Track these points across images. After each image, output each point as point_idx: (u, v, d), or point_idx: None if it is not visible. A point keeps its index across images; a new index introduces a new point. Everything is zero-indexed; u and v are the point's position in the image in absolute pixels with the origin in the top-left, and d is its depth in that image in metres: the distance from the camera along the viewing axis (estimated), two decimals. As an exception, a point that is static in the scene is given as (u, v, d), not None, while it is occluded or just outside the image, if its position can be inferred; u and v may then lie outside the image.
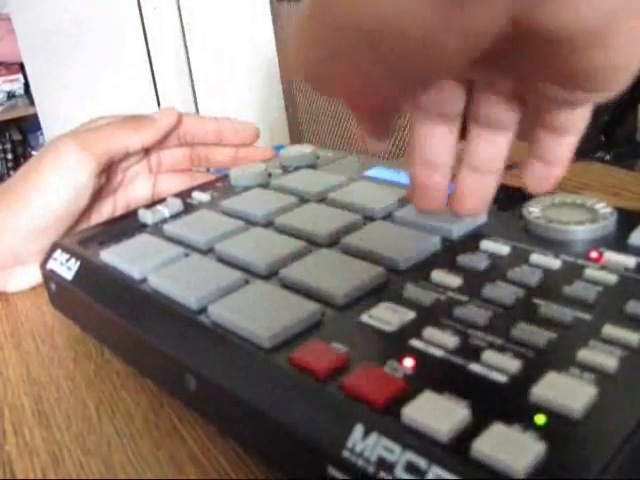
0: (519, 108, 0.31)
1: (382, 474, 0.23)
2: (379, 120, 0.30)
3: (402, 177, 0.47)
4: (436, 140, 0.33)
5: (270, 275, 0.36)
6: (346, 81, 0.24)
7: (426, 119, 0.32)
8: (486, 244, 0.36)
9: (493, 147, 0.33)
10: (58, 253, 0.44)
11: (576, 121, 0.31)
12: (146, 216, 0.47)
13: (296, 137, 2.26)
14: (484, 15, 0.20)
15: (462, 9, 0.19)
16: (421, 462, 0.22)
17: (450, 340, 0.28)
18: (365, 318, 0.31)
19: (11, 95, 2.78)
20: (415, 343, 0.29)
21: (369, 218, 0.42)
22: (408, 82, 0.24)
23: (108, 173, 0.56)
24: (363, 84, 0.24)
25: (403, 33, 0.20)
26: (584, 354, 0.26)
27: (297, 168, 0.53)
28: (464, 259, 0.35)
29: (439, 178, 0.33)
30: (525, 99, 0.30)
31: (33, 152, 2.85)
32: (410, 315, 0.31)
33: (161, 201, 0.49)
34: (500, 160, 0.33)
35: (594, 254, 0.34)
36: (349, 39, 0.21)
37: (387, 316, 0.31)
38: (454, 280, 0.33)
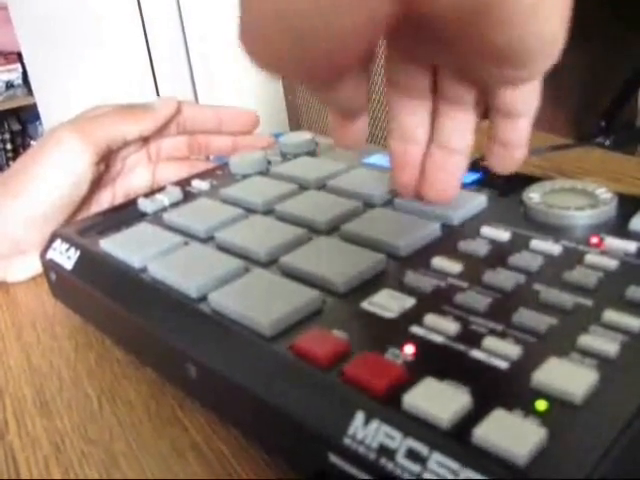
0: (474, 86, 0.32)
1: (383, 461, 0.23)
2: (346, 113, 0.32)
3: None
4: (408, 114, 0.34)
5: (270, 263, 0.36)
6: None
7: (398, 94, 0.34)
8: (486, 230, 0.36)
9: (458, 124, 0.34)
10: (58, 243, 0.44)
11: (523, 103, 0.32)
12: (146, 205, 0.47)
13: (295, 124, 2.26)
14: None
15: None
16: (422, 449, 0.22)
17: (451, 326, 0.28)
18: (366, 305, 0.31)
19: (9, 85, 2.78)
20: (416, 330, 0.29)
21: (369, 205, 0.42)
22: (321, 66, 0.24)
23: (107, 162, 0.56)
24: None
25: (304, 17, 0.21)
26: (585, 339, 0.26)
27: (296, 155, 0.53)
28: (464, 245, 0.35)
29: (414, 151, 0.35)
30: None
31: (32, 142, 2.84)
32: (411, 302, 0.31)
33: (160, 190, 0.49)
34: (466, 138, 0.34)
35: (594, 239, 0.34)
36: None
37: (388, 303, 0.31)
38: (454, 266, 0.33)
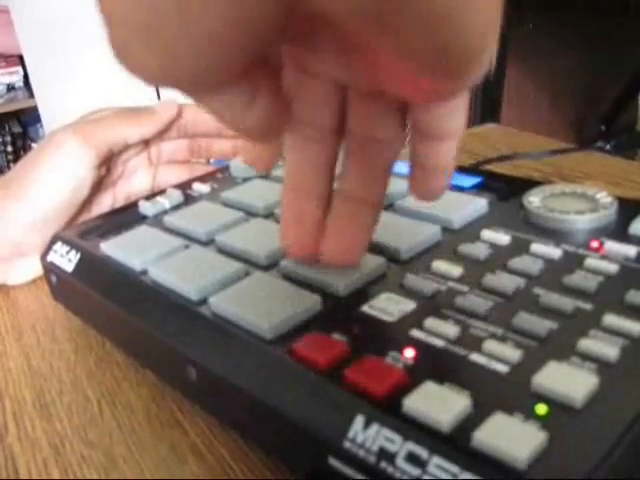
0: (390, 110, 0.28)
1: (383, 464, 0.23)
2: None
3: (403, 167, 0.47)
4: (307, 163, 0.30)
5: (271, 266, 0.36)
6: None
7: (297, 140, 0.30)
8: (487, 234, 0.36)
9: (369, 170, 0.29)
10: (58, 245, 0.44)
11: (449, 123, 0.27)
12: (146, 208, 0.47)
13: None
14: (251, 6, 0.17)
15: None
16: (422, 452, 0.22)
17: (451, 330, 0.28)
18: (366, 309, 0.31)
19: (10, 87, 2.78)
20: (416, 333, 0.29)
21: (369, 209, 0.42)
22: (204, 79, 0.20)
23: (108, 165, 0.56)
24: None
25: (165, 24, 0.18)
26: (585, 344, 0.26)
27: (297, 159, 0.53)
28: (465, 249, 0.35)
29: (313, 208, 0.30)
30: (401, 108, 0.27)
31: (33, 145, 2.84)
32: (411, 305, 0.31)
33: (161, 193, 0.49)
34: (379, 185, 0.30)
35: (595, 244, 0.34)
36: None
37: (388, 306, 0.31)
38: (455, 270, 0.33)
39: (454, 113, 0.26)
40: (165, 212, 0.46)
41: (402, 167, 0.47)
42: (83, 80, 2.37)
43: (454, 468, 0.21)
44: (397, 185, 0.43)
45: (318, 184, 0.30)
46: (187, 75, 0.19)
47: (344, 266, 0.32)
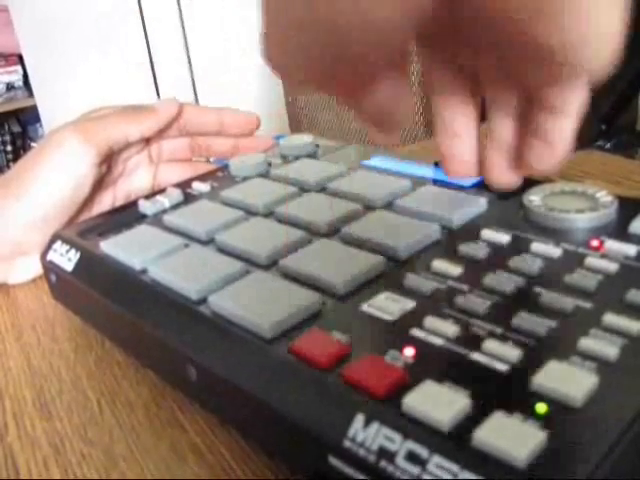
0: (518, 92, 0.31)
1: (383, 463, 0.23)
2: (378, 111, 0.28)
3: (402, 166, 0.47)
4: (455, 113, 0.33)
5: (270, 265, 0.36)
6: (314, 72, 0.23)
7: (437, 94, 0.33)
8: (486, 233, 0.36)
9: (512, 127, 0.32)
10: (58, 244, 0.44)
11: (570, 103, 0.30)
12: (146, 207, 0.47)
13: (296, 127, 2.26)
14: None
15: None
16: (422, 451, 0.22)
17: (451, 329, 0.28)
18: (365, 307, 0.31)
19: (10, 87, 2.78)
20: (416, 332, 0.29)
21: (369, 207, 0.42)
22: (363, 63, 0.23)
23: (109, 163, 0.56)
24: (330, 71, 0.23)
25: (334, 16, 0.20)
26: (585, 343, 0.26)
27: (297, 158, 0.53)
28: (464, 248, 0.35)
29: (463, 147, 0.33)
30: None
31: (32, 144, 2.84)
32: (410, 304, 0.31)
33: (161, 191, 0.49)
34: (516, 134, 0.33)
35: (595, 243, 0.34)
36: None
37: (387, 305, 0.31)
38: (454, 269, 0.33)
39: (575, 94, 0.29)
40: (165, 211, 0.46)
41: (405, 167, 0.47)
42: (82, 79, 2.37)
43: (454, 467, 0.21)
44: (396, 184, 0.43)
45: (466, 128, 0.33)
46: (353, 63, 0.22)
47: (506, 185, 0.34)
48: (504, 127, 0.32)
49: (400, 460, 0.23)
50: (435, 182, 0.44)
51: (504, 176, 0.34)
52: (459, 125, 0.33)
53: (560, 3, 0.21)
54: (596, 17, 0.22)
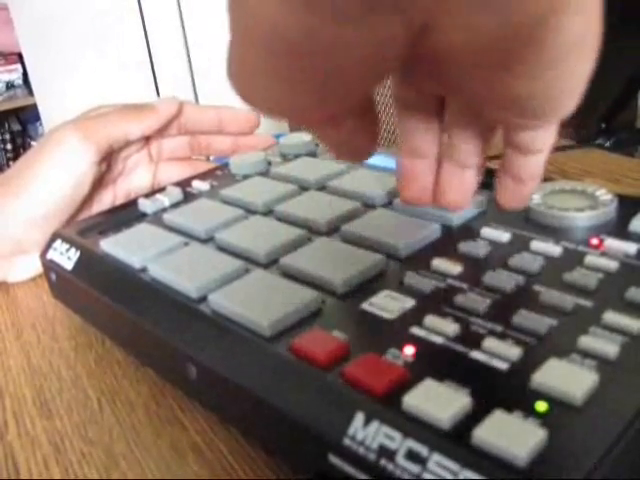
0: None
1: (383, 462, 0.23)
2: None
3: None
4: (418, 133, 0.33)
5: (270, 263, 0.36)
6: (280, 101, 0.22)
7: (406, 114, 0.32)
8: (486, 231, 0.36)
9: (469, 146, 0.32)
10: (58, 243, 0.44)
11: (541, 142, 0.30)
12: (146, 205, 0.47)
13: (295, 125, 2.26)
14: (384, 29, 0.18)
15: (361, 23, 0.18)
16: (422, 450, 0.22)
17: (451, 327, 0.28)
18: (365, 306, 0.31)
19: (10, 85, 2.78)
20: (416, 331, 0.29)
21: (369, 206, 0.42)
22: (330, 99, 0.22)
23: (109, 162, 0.56)
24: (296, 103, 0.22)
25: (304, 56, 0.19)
26: (585, 341, 0.26)
27: (297, 156, 0.53)
28: (464, 246, 0.35)
29: (424, 166, 0.33)
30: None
31: (32, 142, 2.84)
32: (410, 303, 0.31)
33: (161, 190, 0.49)
34: (478, 156, 0.33)
35: (595, 241, 0.34)
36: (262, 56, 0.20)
37: (387, 304, 0.31)
38: (454, 267, 0.33)
39: (546, 133, 0.29)
40: (165, 210, 0.46)
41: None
42: (82, 78, 2.37)
43: (454, 466, 0.21)
44: (395, 183, 0.43)
45: (429, 148, 0.33)
46: (319, 104, 0.22)
47: (456, 209, 0.35)
48: (463, 147, 0.32)
49: (400, 459, 0.23)
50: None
51: (459, 198, 0.34)
52: (423, 143, 0.33)
53: (548, 61, 0.21)
54: (579, 72, 0.22)
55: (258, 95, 0.22)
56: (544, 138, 0.30)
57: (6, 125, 2.88)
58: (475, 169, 0.33)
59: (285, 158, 0.53)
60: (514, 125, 0.28)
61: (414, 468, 0.22)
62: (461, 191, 0.34)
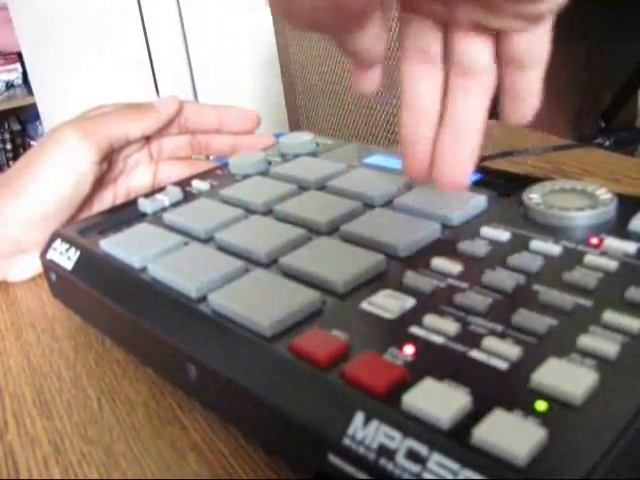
0: (490, 46, 0.32)
1: (383, 461, 0.23)
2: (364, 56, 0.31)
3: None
4: (421, 81, 0.34)
5: (270, 263, 0.36)
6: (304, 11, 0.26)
7: (411, 61, 0.34)
8: (486, 231, 0.36)
9: (470, 98, 0.33)
10: (58, 243, 0.44)
11: (535, 51, 0.32)
12: (146, 205, 0.47)
13: (295, 125, 2.26)
14: None
15: None
16: (422, 449, 0.22)
17: (450, 327, 0.28)
18: (365, 305, 0.31)
19: (9, 85, 2.78)
20: (415, 330, 0.29)
21: (369, 205, 0.42)
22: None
23: (109, 161, 0.56)
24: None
25: None
26: (585, 340, 0.26)
27: (297, 156, 0.53)
28: (464, 246, 0.35)
29: (425, 125, 0.34)
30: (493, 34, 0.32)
31: (32, 142, 2.84)
32: (410, 302, 0.31)
33: (161, 190, 0.49)
34: (479, 119, 0.34)
35: (594, 240, 0.34)
36: None
37: (387, 303, 0.31)
38: (454, 267, 0.33)
39: (540, 42, 0.31)
40: (164, 209, 0.46)
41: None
42: (82, 77, 2.37)
43: (454, 465, 0.22)
44: (396, 182, 0.43)
45: (431, 103, 0.34)
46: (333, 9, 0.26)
47: (451, 188, 0.35)
48: (465, 100, 0.33)
49: (400, 458, 0.23)
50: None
51: (460, 174, 0.34)
52: (427, 101, 0.34)
53: None
54: None
55: (285, 9, 0.26)
56: (539, 46, 0.31)
57: (6, 125, 2.88)
58: (474, 136, 0.34)
59: (285, 158, 0.53)
60: (515, 21, 0.30)
61: (414, 468, 0.22)
62: (460, 161, 0.34)
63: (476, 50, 0.32)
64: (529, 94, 0.33)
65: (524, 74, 0.33)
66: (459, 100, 0.33)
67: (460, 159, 0.34)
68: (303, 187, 0.46)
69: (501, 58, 0.33)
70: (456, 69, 0.33)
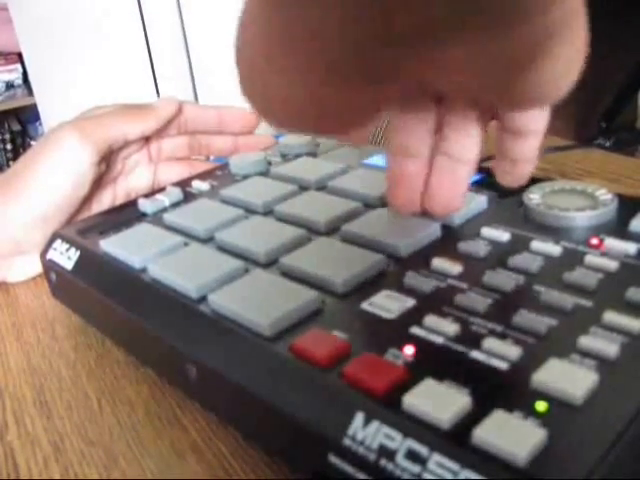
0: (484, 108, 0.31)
1: (383, 462, 0.23)
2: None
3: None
4: (410, 130, 0.32)
5: (270, 263, 0.36)
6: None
7: (400, 110, 0.32)
8: (486, 231, 0.36)
9: (464, 136, 0.32)
10: (58, 243, 0.44)
11: (534, 123, 0.31)
12: (146, 205, 0.47)
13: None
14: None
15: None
16: (422, 450, 0.22)
17: (451, 327, 0.28)
18: (365, 306, 0.31)
19: (10, 85, 2.78)
20: (416, 330, 0.28)
21: (369, 206, 0.42)
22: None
23: (108, 162, 0.56)
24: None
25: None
26: (585, 341, 0.26)
27: (297, 156, 0.53)
28: (464, 246, 0.35)
29: (414, 167, 0.33)
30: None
31: (32, 142, 2.84)
32: (410, 302, 0.31)
33: (161, 190, 0.49)
34: (472, 149, 0.32)
35: (594, 241, 0.34)
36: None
37: (388, 304, 0.31)
38: (454, 267, 0.33)
39: (538, 114, 0.31)
40: (165, 210, 0.46)
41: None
42: (82, 77, 2.37)
43: (454, 465, 0.21)
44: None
45: (421, 147, 0.32)
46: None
47: (444, 214, 0.34)
48: (460, 137, 0.32)
49: (400, 458, 0.23)
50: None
51: (450, 197, 0.33)
52: (414, 141, 0.32)
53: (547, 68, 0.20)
54: (565, 56, 0.21)
55: (272, 118, 0.26)
56: (536, 120, 0.31)
57: (6, 125, 2.88)
58: (468, 166, 0.32)
59: (285, 158, 0.53)
60: (510, 110, 0.30)
61: (414, 468, 0.22)
62: (453, 191, 0.33)
63: (469, 109, 0.31)
64: (524, 161, 0.33)
65: (521, 141, 0.32)
66: (453, 135, 0.32)
67: (455, 182, 0.33)
68: (303, 187, 0.46)
69: (498, 123, 0.32)
70: (449, 113, 0.32)
